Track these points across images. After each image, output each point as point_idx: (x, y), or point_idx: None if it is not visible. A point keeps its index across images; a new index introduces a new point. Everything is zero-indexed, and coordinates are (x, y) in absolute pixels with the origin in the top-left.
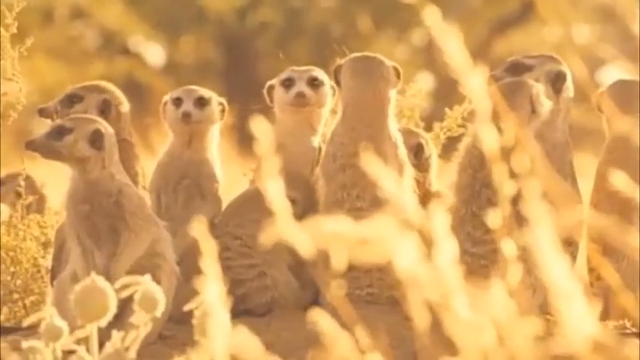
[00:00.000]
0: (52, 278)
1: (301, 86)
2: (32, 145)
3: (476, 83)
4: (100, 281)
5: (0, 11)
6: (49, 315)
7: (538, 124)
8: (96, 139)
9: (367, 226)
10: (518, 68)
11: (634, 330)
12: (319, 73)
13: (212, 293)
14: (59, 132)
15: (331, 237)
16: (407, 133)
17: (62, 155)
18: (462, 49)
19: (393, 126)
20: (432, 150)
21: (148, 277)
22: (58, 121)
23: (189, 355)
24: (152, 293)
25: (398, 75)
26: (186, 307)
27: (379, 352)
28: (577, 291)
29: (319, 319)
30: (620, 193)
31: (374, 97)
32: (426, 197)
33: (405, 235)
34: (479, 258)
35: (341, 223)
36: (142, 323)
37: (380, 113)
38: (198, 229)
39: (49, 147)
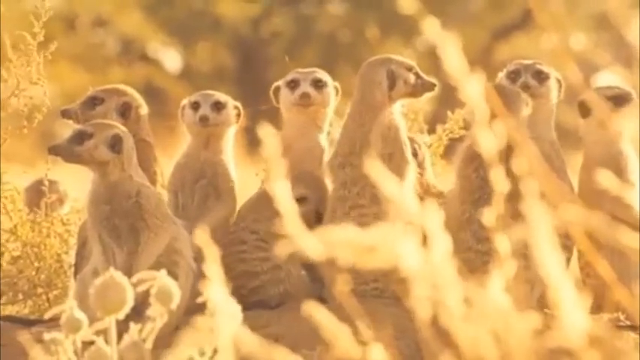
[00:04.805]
0: (76, 273)
1: (306, 87)
2: (55, 150)
3: (473, 89)
4: (118, 276)
5: None
6: (70, 307)
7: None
8: (115, 143)
9: (373, 233)
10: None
11: (628, 323)
12: (323, 75)
13: (217, 296)
14: (80, 137)
15: (338, 244)
16: None
17: (83, 159)
18: (460, 57)
19: (393, 124)
20: (426, 153)
21: (163, 272)
22: (79, 127)
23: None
24: (168, 287)
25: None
26: (199, 300)
27: (383, 343)
28: (571, 286)
29: (314, 312)
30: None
31: (363, 99)
32: (427, 198)
33: (408, 239)
34: (482, 255)
35: (348, 231)
36: (158, 315)
37: (372, 114)
38: (201, 236)
39: (71, 151)
